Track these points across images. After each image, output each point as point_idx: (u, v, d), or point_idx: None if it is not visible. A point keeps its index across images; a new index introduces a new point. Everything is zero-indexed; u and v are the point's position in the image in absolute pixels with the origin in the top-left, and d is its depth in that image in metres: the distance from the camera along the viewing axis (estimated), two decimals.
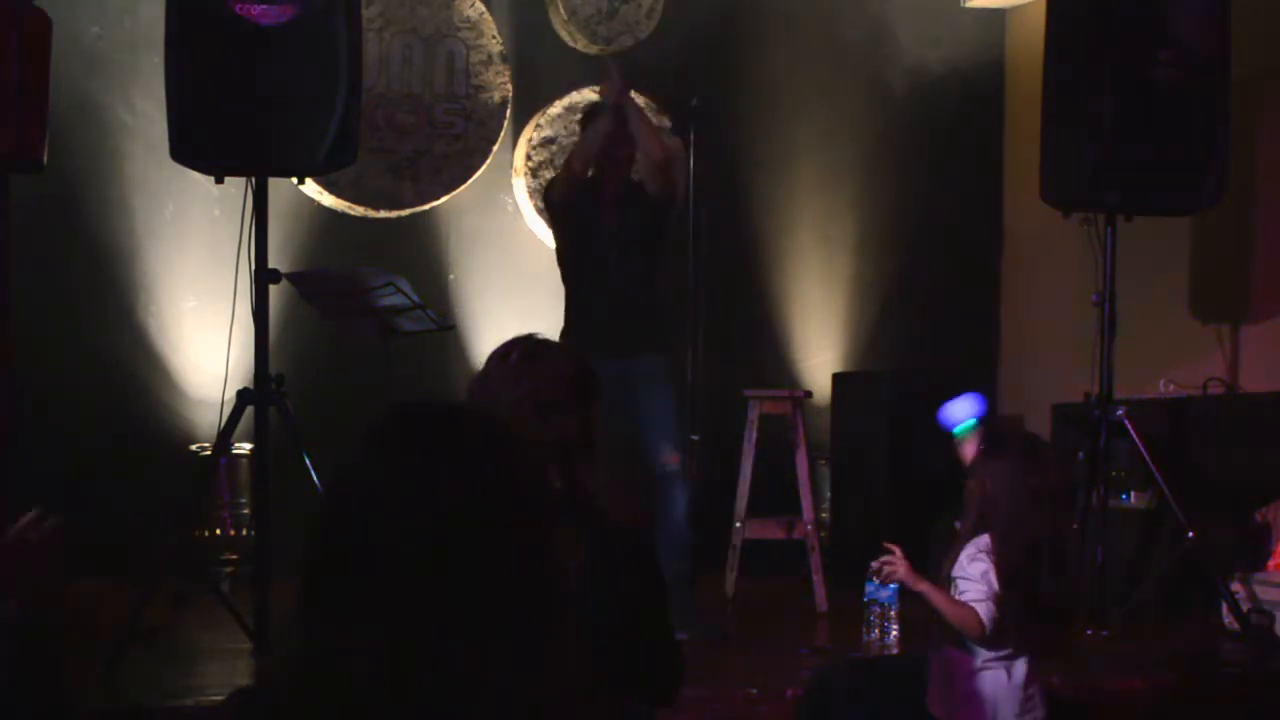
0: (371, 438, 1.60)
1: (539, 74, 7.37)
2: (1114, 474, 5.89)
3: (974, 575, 3.78)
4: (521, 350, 2.80)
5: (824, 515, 6.97)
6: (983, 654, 3.77)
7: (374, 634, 1.51)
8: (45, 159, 5.04)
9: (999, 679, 3.77)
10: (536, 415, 2.72)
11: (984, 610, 3.75)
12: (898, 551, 4.00)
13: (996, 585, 3.74)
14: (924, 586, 3.89)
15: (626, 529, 2.82)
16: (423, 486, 1.55)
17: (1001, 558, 3.74)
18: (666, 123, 6.99)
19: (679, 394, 5.88)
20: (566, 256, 6.23)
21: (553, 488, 2.70)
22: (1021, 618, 3.73)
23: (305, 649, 1.54)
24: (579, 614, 2.57)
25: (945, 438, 6.81)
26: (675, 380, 5.88)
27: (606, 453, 2.82)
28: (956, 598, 3.80)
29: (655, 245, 6.01)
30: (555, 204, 6.13)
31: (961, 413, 5.19)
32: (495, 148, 7.22)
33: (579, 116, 7.01)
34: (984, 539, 3.79)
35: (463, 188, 7.19)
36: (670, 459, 5.74)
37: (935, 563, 3.97)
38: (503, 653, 1.52)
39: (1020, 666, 3.78)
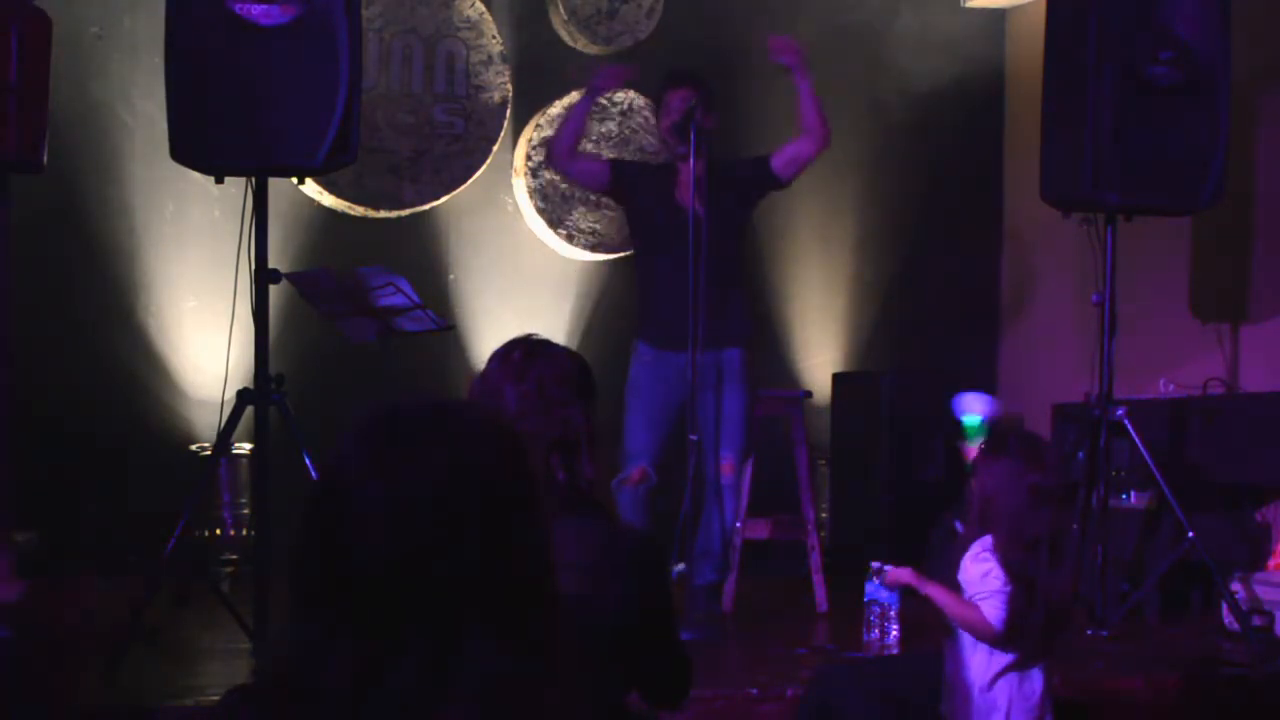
0: (355, 436, 1.58)
1: (539, 74, 7.37)
2: (1114, 474, 5.89)
3: (975, 577, 3.78)
4: (523, 348, 2.86)
5: (824, 515, 6.98)
6: (993, 662, 3.76)
7: (361, 634, 1.50)
8: (45, 159, 5.04)
9: (1011, 688, 3.75)
10: (541, 409, 2.76)
11: (988, 609, 3.74)
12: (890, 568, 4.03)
13: (1003, 583, 3.73)
14: (931, 589, 3.88)
15: (631, 525, 2.85)
16: (407, 484, 1.53)
17: (1004, 556, 3.73)
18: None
19: (752, 397, 5.86)
20: (643, 244, 6.09)
21: (557, 481, 2.73)
22: (1022, 616, 3.72)
23: (294, 649, 1.54)
24: (581, 608, 2.60)
25: (944, 437, 6.84)
26: (751, 381, 5.86)
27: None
28: (963, 599, 3.80)
29: (744, 229, 5.96)
30: (622, 188, 6.11)
31: (974, 406, 5.16)
32: (495, 148, 7.22)
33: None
34: (986, 539, 3.79)
35: (463, 188, 7.19)
36: (726, 469, 5.70)
37: (935, 564, 3.96)
38: (490, 652, 1.51)
39: (1033, 675, 3.77)
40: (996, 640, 3.75)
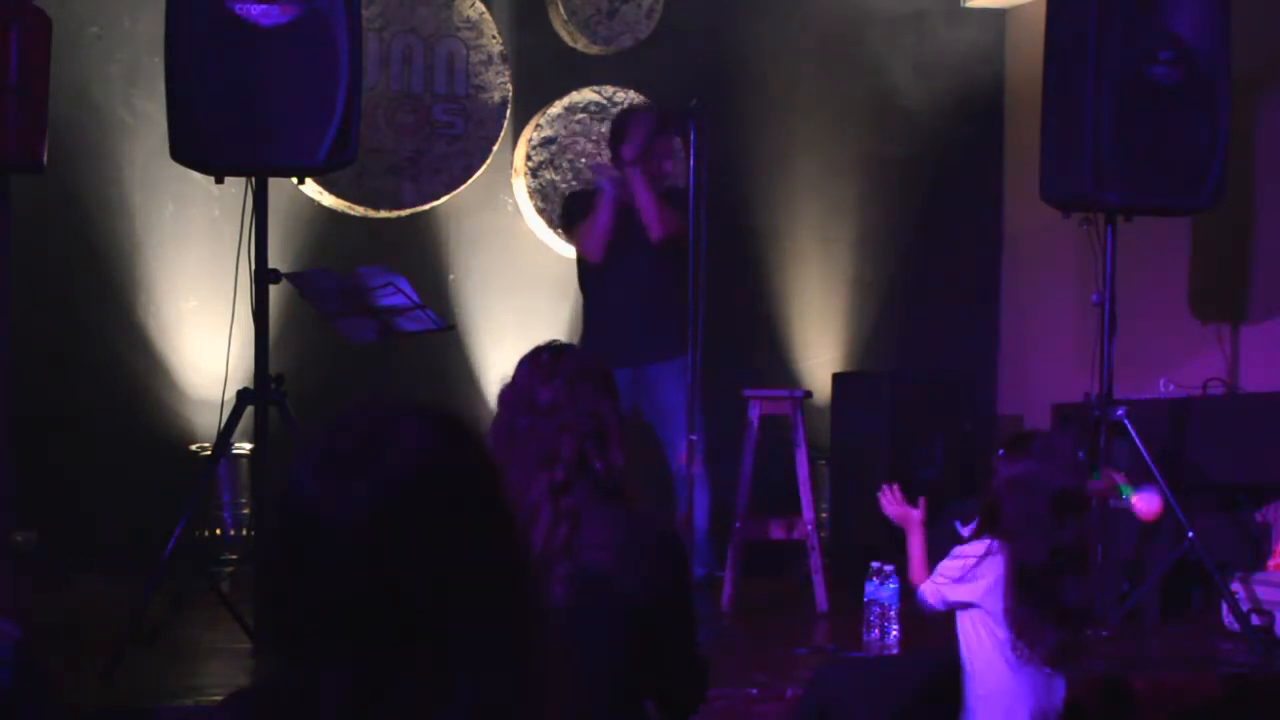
0: (310, 457, 1.56)
1: (539, 74, 7.37)
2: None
3: (947, 560, 3.83)
4: (549, 351, 3.02)
5: (824, 515, 6.97)
6: (1001, 660, 3.75)
7: (348, 655, 1.48)
8: (45, 159, 5.04)
9: (1018, 687, 3.74)
10: (573, 403, 2.90)
11: (927, 586, 3.85)
12: (897, 491, 4.05)
13: (942, 577, 3.78)
14: (915, 538, 3.95)
15: (658, 517, 2.99)
16: (368, 498, 1.51)
17: (1021, 564, 3.70)
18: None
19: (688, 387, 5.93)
20: (586, 263, 6.25)
21: (594, 469, 2.87)
22: (1039, 622, 3.70)
23: (285, 679, 1.52)
24: (613, 587, 2.72)
25: (944, 438, 6.84)
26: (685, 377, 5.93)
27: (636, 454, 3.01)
28: (929, 568, 3.87)
29: (678, 248, 6.05)
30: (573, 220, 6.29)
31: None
32: (495, 148, 7.22)
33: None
34: (986, 543, 3.77)
35: (463, 188, 7.19)
36: (681, 458, 5.75)
37: (935, 565, 3.96)
38: (481, 658, 1.50)
39: (1042, 676, 3.75)
40: (953, 641, 3.80)
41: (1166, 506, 5.38)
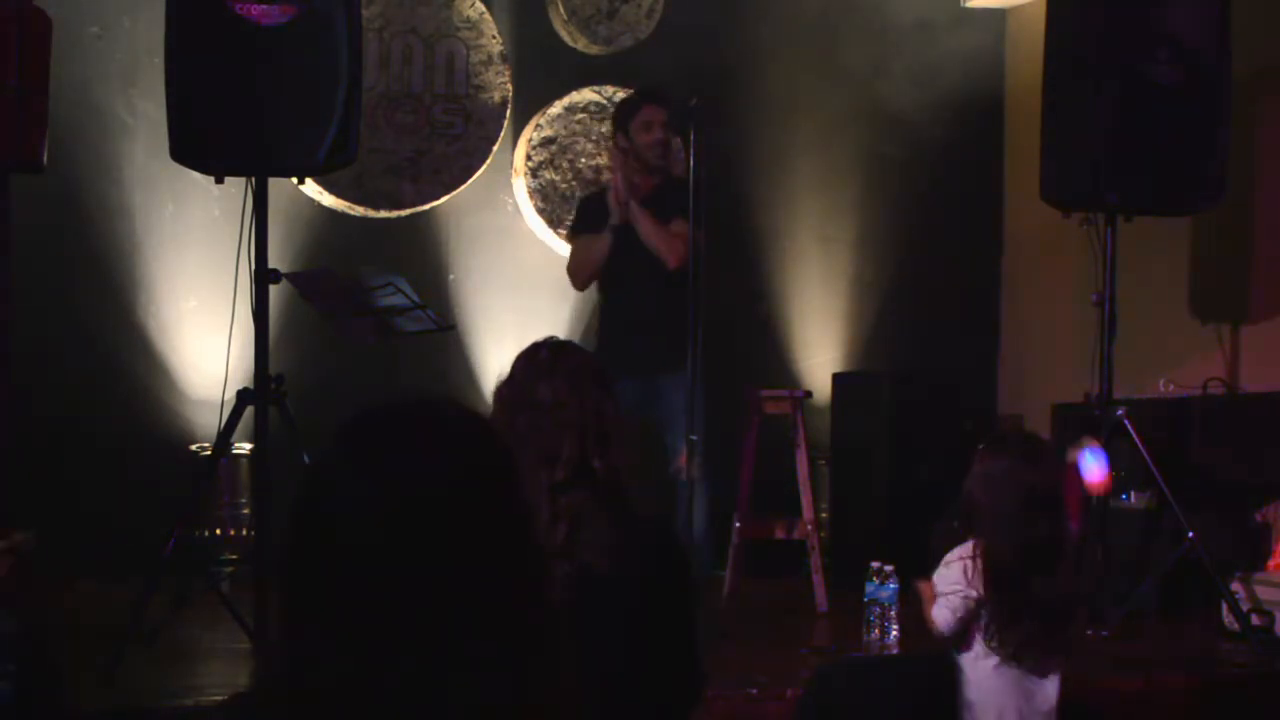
0: (337, 440, 1.58)
1: (539, 74, 7.37)
2: (1114, 474, 5.89)
3: (938, 576, 3.80)
4: (548, 348, 2.97)
5: (824, 515, 6.97)
6: (986, 659, 3.75)
7: (356, 636, 1.50)
8: (45, 159, 5.04)
9: (1006, 686, 3.74)
10: (574, 401, 2.86)
11: (935, 610, 3.77)
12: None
13: (962, 587, 3.74)
14: (923, 587, 3.92)
15: (658, 517, 2.97)
16: (391, 484, 1.53)
17: (992, 559, 3.71)
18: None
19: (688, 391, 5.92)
20: (604, 272, 6.27)
21: (594, 468, 2.85)
22: (1011, 619, 3.70)
23: (291, 654, 1.53)
24: (611, 587, 2.71)
25: (944, 438, 6.84)
26: (686, 385, 5.92)
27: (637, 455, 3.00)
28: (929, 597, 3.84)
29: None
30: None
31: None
32: (495, 148, 7.22)
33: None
34: (969, 545, 3.78)
35: (463, 188, 7.19)
36: (681, 461, 5.74)
37: (935, 564, 3.96)
38: (486, 650, 1.51)
39: (1031, 675, 3.75)
40: (947, 640, 3.76)
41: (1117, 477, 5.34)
